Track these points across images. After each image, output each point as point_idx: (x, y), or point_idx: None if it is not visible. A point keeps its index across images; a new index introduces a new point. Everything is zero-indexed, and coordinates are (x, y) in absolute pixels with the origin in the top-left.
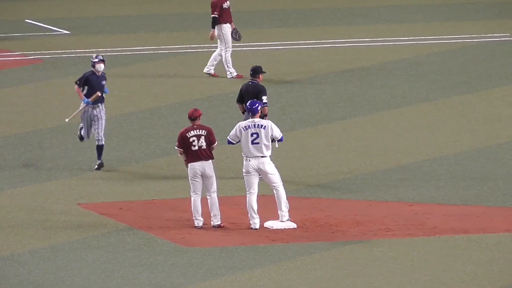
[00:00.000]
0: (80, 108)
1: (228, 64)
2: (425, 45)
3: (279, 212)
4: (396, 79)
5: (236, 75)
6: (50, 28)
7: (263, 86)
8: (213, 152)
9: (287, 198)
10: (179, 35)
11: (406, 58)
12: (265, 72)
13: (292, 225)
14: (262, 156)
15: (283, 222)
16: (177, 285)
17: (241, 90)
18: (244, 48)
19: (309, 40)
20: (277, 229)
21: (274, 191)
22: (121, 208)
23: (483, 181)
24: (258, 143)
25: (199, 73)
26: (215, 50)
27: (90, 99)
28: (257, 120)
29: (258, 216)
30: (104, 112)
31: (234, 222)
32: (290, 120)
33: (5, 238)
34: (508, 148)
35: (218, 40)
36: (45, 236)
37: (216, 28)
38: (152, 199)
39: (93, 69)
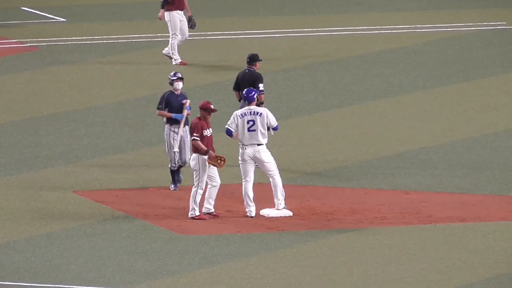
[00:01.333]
0: (181, 125)
1: (173, 51)
2: (422, 33)
3: (275, 200)
4: (393, 68)
5: (180, 62)
6: (46, 16)
7: (259, 74)
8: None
9: (283, 186)
10: None
11: (403, 47)
12: (261, 60)
13: (288, 213)
14: (258, 144)
15: (279, 210)
16: (173, 273)
17: (237, 77)
18: (240, 36)
19: (306, 28)
20: (273, 217)
21: (270, 179)
22: (117, 196)
23: (479, 170)
24: (254, 130)
25: (196, 61)
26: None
27: (183, 115)
28: (253, 107)
29: (254, 204)
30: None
31: (230, 210)
32: (286, 108)
33: (1, 225)
34: (504, 137)
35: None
36: (41, 223)
37: (166, 13)
38: (148, 187)
39: (171, 87)
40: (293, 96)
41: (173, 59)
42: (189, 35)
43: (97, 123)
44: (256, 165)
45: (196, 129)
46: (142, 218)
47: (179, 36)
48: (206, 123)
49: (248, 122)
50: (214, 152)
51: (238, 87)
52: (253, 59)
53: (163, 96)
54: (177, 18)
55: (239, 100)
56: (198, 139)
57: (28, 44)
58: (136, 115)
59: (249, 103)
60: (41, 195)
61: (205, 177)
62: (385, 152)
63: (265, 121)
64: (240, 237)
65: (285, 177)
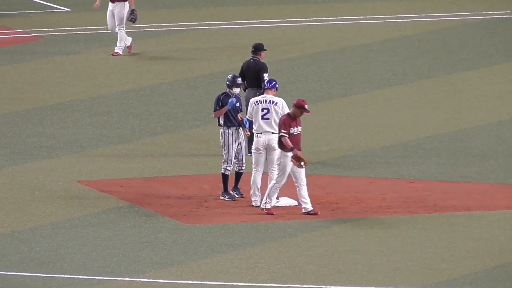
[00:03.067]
0: (244, 128)
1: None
2: (426, 22)
3: (265, 196)
4: (397, 56)
5: (114, 52)
6: (51, 6)
7: (264, 63)
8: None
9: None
10: (179, 12)
11: (407, 36)
12: (266, 50)
13: (293, 202)
14: (272, 132)
15: (284, 199)
16: (178, 262)
17: (242, 67)
18: (244, 26)
19: (310, 17)
20: (278, 206)
21: (269, 174)
22: (121, 186)
23: (484, 159)
24: (268, 118)
25: (200, 50)
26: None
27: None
28: (270, 96)
29: (260, 194)
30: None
31: (235, 200)
32: (290, 97)
33: (6, 215)
34: (508, 126)
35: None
36: (46, 213)
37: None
38: (153, 176)
39: (228, 89)
40: (298, 85)
41: (116, 47)
42: (119, 27)
43: (101, 113)
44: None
45: (284, 125)
46: (147, 207)
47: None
48: (296, 121)
49: (262, 110)
50: (300, 150)
51: (243, 76)
52: (257, 48)
53: (219, 98)
54: (108, 10)
55: (244, 90)
56: (287, 135)
57: (33, 34)
58: (141, 105)
59: (267, 91)
60: (45, 185)
61: (286, 174)
62: (390, 141)
63: (280, 110)
64: (245, 226)
65: None
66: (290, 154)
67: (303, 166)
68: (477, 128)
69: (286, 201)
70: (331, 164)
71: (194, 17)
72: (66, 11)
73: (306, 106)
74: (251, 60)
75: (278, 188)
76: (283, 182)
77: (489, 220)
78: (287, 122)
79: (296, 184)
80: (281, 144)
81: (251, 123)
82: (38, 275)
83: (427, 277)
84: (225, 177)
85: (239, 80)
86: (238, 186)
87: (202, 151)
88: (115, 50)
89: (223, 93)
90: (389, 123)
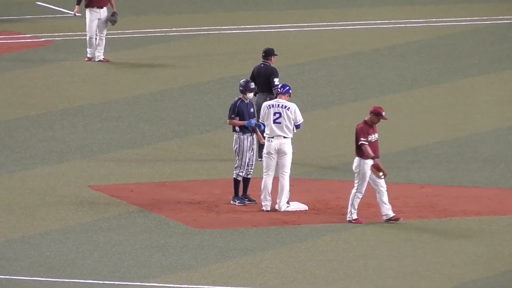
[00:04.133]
0: (258, 133)
1: (92, 47)
2: (436, 27)
3: (277, 200)
4: (407, 61)
5: (87, 59)
6: (61, 11)
7: (274, 68)
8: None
9: (296, 181)
10: (190, 17)
11: (417, 40)
12: (277, 55)
13: (303, 207)
14: (284, 137)
15: (294, 204)
16: (188, 267)
17: (253, 72)
18: (255, 31)
19: (320, 22)
20: (288, 211)
21: (280, 178)
22: (132, 190)
23: (494, 163)
24: (279, 123)
25: (210, 55)
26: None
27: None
28: (282, 101)
29: (271, 199)
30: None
31: (245, 205)
32: (301, 102)
33: (16, 220)
34: None
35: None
36: (57, 218)
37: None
38: (163, 181)
39: (242, 95)
40: (308, 90)
41: (97, 57)
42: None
43: (112, 118)
44: None
45: (363, 133)
46: (157, 212)
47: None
48: (373, 128)
49: (274, 114)
50: (378, 158)
51: (253, 81)
52: (268, 53)
53: (235, 104)
54: (93, 17)
55: (255, 95)
56: (366, 143)
57: (43, 39)
58: (151, 110)
59: (280, 95)
60: (56, 190)
61: (366, 182)
62: (400, 146)
63: (292, 116)
64: (255, 231)
65: (300, 171)
66: (369, 161)
67: (382, 177)
68: (487, 133)
69: (296, 206)
70: (341, 169)
71: (205, 22)
72: (76, 16)
73: (383, 113)
74: (262, 65)
75: (360, 197)
76: (364, 189)
77: (499, 225)
78: (365, 129)
79: (376, 190)
80: (360, 152)
81: (261, 126)
82: (48, 280)
83: (438, 282)
84: (236, 183)
85: (252, 85)
86: (248, 193)
87: (213, 156)
88: (103, 57)
89: (238, 99)
90: (399, 128)
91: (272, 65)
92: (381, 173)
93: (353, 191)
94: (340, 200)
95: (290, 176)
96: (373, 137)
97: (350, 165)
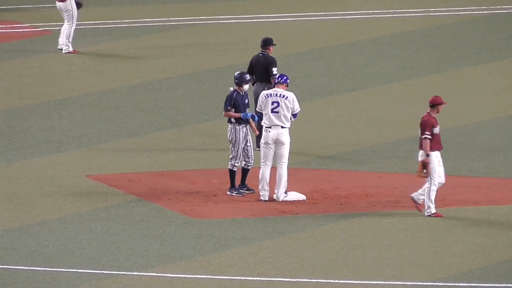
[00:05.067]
0: (253, 124)
1: (69, 39)
2: (435, 16)
3: (275, 190)
4: (406, 51)
5: (72, 50)
6: None
7: (273, 58)
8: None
9: (294, 171)
10: (188, 7)
11: (416, 30)
12: (275, 44)
13: (302, 196)
14: (282, 127)
15: (292, 193)
16: (187, 257)
17: (251, 61)
18: (253, 20)
19: (319, 12)
20: (286, 201)
21: (278, 168)
22: (130, 180)
23: (493, 153)
24: (277, 112)
25: (209, 45)
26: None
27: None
28: (280, 90)
29: (269, 189)
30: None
31: (243, 195)
32: (299, 91)
33: (14, 209)
34: None
35: (66, 14)
36: (55, 207)
37: (68, 1)
38: (161, 170)
39: (237, 87)
40: (307, 79)
41: (66, 46)
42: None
43: (110, 107)
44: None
45: (428, 126)
46: (156, 202)
47: (74, 25)
48: (435, 119)
49: (272, 103)
50: (442, 148)
51: (251, 71)
52: (267, 43)
53: (231, 96)
54: (75, 7)
55: (253, 84)
56: (430, 137)
57: (41, 28)
58: (149, 99)
59: (277, 85)
60: (54, 179)
61: (436, 173)
62: (399, 135)
63: (290, 105)
64: (253, 221)
65: (298, 161)
66: (435, 153)
67: (422, 176)
68: (486, 123)
69: (294, 196)
70: (340, 159)
71: (203, 11)
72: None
73: (442, 99)
74: (260, 55)
75: (435, 189)
76: (437, 181)
77: (498, 215)
78: (429, 122)
79: (427, 183)
80: (423, 145)
81: (260, 116)
82: (46, 270)
83: (436, 272)
84: (232, 173)
85: (247, 77)
86: (246, 183)
87: (211, 146)
88: (72, 48)
89: (234, 91)
90: (398, 117)
91: (270, 54)
92: (424, 171)
93: (427, 185)
94: (338, 189)
95: (288, 165)
96: (437, 129)
97: (348, 154)
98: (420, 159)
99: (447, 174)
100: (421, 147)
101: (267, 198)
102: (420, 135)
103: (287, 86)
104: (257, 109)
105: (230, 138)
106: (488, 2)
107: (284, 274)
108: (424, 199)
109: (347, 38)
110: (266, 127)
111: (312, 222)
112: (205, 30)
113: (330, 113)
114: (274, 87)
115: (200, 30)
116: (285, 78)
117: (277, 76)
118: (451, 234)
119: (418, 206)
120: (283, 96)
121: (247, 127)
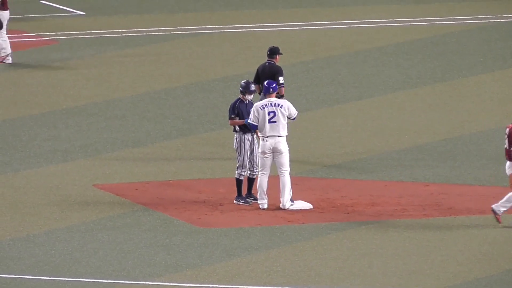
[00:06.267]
0: (258, 133)
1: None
2: (441, 25)
3: (281, 198)
4: (411, 60)
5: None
6: (65, 9)
7: (279, 67)
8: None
9: (300, 179)
10: (194, 16)
11: (421, 39)
12: (282, 53)
13: (308, 205)
14: (278, 136)
15: (299, 202)
16: (193, 266)
17: (257, 70)
18: (259, 29)
19: (324, 21)
20: (293, 210)
21: (280, 176)
22: (137, 189)
23: (498, 161)
24: (275, 122)
25: (214, 54)
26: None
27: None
28: (273, 99)
29: (267, 197)
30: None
31: (250, 204)
32: (305, 100)
33: (21, 219)
34: None
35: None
36: (61, 217)
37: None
38: (168, 180)
39: (241, 96)
40: (312, 88)
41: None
42: None
43: (116, 116)
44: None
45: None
46: (162, 211)
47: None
48: None
49: (269, 114)
50: None
51: (258, 80)
52: (273, 52)
53: (234, 105)
54: (6, 18)
55: (259, 93)
56: None
57: (47, 38)
58: (155, 108)
59: (269, 95)
60: (60, 189)
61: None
62: (404, 144)
63: (286, 112)
64: (260, 230)
65: (304, 170)
66: None
67: None
68: (492, 131)
69: (301, 204)
70: (346, 167)
71: (209, 21)
72: (80, 14)
73: None
74: (267, 64)
75: None
76: None
77: (504, 223)
78: None
79: None
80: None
81: (253, 127)
82: (53, 279)
83: (442, 280)
84: (239, 182)
85: (253, 87)
86: (252, 192)
87: (217, 155)
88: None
89: (237, 99)
90: (403, 126)
91: (277, 63)
92: None
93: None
94: (344, 198)
95: (292, 174)
96: None
97: (354, 163)
98: (508, 170)
99: (453, 183)
100: (509, 159)
101: (265, 207)
102: (507, 147)
103: (277, 93)
104: (249, 121)
105: (236, 147)
106: (494, 11)
107: (291, 283)
108: (504, 210)
109: (352, 47)
110: (263, 137)
111: (319, 231)
112: (210, 39)
113: (336, 122)
114: (265, 97)
115: (206, 39)
116: (273, 85)
117: (266, 85)
118: (457, 242)
119: (497, 217)
120: (278, 105)
121: (253, 135)
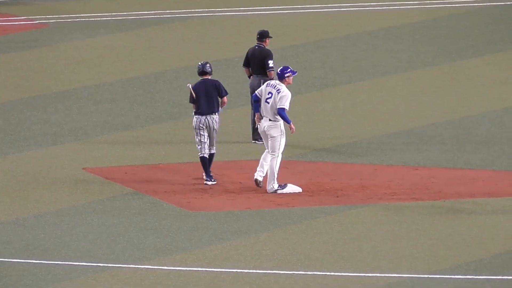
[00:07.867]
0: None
1: None
2: (431, 9)
3: (267, 184)
4: (402, 44)
5: None
6: None
7: (269, 51)
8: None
9: (290, 163)
10: (185, 0)
11: (412, 23)
12: (271, 37)
13: (298, 189)
14: (270, 119)
15: (289, 186)
16: (183, 249)
17: (247, 54)
18: (249, 13)
19: (315, 4)
20: (282, 193)
21: (270, 159)
22: (126, 173)
23: (488, 145)
24: (268, 103)
25: (205, 38)
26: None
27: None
28: (280, 84)
29: (262, 170)
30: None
31: (240, 187)
32: (295, 84)
33: (10, 202)
34: None
35: None
36: (51, 200)
37: None
38: (157, 163)
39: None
40: (302, 72)
41: None
42: None
43: (106, 100)
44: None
45: None
46: (152, 194)
47: None
48: None
49: (268, 94)
50: None
51: (247, 63)
52: (263, 35)
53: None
54: None
55: (249, 77)
56: None
57: (37, 21)
58: (146, 92)
59: (282, 81)
60: (50, 172)
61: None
62: (394, 128)
63: (277, 98)
64: (249, 213)
65: (294, 153)
66: None
67: None
68: (482, 115)
69: (291, 188)
70: (335, 151)
71: (199, 4)
72: None
73: None
74: (256, 47)
75: None
76: None
77: (493, 207)
78: None
79: None
80: None
81: (254, 97)
82: (42, 262)
83: (432, 264)
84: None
85: (208, 68)
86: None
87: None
88: None
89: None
90: (394, 110)
91: (266, 47)
92: None
93: None
94: (334, 182)
95: (282, 158)
96: None
97: (344, 147)
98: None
99: (443, 167)
100: None
101: (257, 177)
102: None
103: (286, 81)
104: (257, 92)
105: (217, 127)
106: None
107: (280, 266)
108: None
109: (343, 31)
110: (262, 116)
111: (308, 214)
112: (200, 23)
113: (326, 106)
114: (272, 79)
115: (196, 23)
116: (288, 70)
117: (279, 72)
118: (447, 226)
119: None
120: (278, 90)
121: (205, 118)
